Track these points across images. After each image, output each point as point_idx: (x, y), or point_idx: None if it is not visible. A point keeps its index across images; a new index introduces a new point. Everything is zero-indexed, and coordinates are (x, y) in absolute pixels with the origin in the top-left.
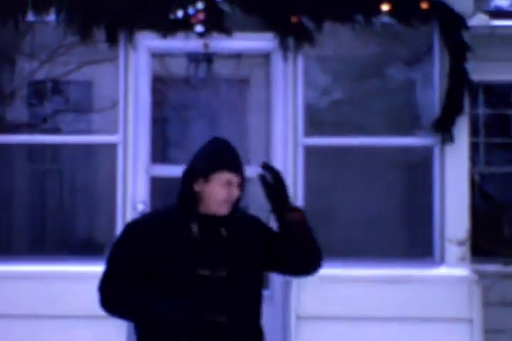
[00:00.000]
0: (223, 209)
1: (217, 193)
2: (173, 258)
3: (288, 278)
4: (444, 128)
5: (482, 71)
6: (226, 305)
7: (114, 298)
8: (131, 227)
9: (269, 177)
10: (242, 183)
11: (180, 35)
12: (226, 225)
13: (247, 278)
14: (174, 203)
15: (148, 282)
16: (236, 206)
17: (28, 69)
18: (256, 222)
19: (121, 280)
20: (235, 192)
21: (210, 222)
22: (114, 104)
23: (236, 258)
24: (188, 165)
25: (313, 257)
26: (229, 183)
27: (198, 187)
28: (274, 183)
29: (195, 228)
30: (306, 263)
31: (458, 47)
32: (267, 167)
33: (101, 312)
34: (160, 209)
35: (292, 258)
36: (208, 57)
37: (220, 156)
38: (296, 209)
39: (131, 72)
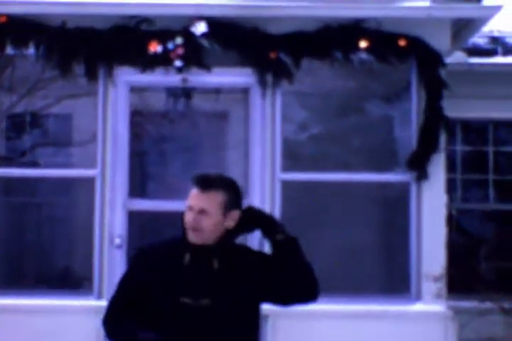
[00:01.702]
0: (189, 236)
1: (185, 218)
2: (160, 284)
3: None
4: (419, 164)
5: (459, 108)
6: (208, 334)
7: (110, 325)
8: (134, 257)
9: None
10: (205, 211)
11: (159, 69)
12: (219, 256)
13: (234, 309)
14: (179, 234)
15: (142, 310)
16: (229, 236)
17: (7, 102)
18: (253, 254)
19: (120, 307)
20: (190, 217)
21: (203, 253)
22: (93, 138)
23: (223, 289)
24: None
25: (307, 279)
26: (189, 207)
27: None
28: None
29: (187, 257)
30: (300, 287)
31: (434, 84)
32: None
33: None
34: (167, 238)
35: (286, 281)
36: (186, 92)
37: (198, 174)
38: (284, 231)
39: (110, 106)
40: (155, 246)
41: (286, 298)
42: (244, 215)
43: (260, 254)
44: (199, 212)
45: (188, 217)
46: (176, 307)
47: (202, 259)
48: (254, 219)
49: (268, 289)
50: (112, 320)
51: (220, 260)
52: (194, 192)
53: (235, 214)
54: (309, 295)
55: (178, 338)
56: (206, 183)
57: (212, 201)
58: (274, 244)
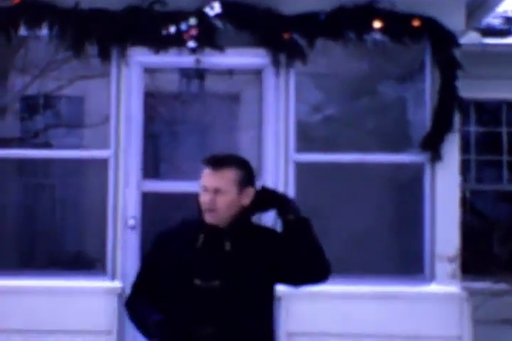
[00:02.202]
0: (206, 217)
1: (200, 199)
2: (174, 267)
3: (285, 291)
4: (433, 145)
5: (473, 89)
6: (217, 316)
7: (130, 308)
8: (154, 239)
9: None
10: (220, 190)
11: (173, 50)
12: (232, 238)
13: (244, 291)
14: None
15: (160, 292)
16: (243, 217)
17: (20, 84)
18: (267, 233)
19: (140, 290)
20: (205, 197)
21: (216, 234)
22: (106, 119)
23: (233, 271)
24: None
25: (317, 260)
26: (204, 188)
27: None
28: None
29: (200, 239)
30: (310, 267)
31: (449, 65)
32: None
33: (89, 327)
34: (188, 219)
35: (296, 261)
36: (199, 73)
37: (209, 155)
38: (297, 210)
39: (124, 88)
40: (172, 229)
41: (297, 278)
42: (258, 195)
43: (274, 234)
44: (214, 191)
45: (204, 198)
46: (188, 289)
47: (215, 241)
48: (267, 198)
49: (279, 269)
50: (132, 301)
51: (233, 241)
52: (206, 172)
53: (249, 192)
54: (320, 275)
55: (187, 319)
56: (218, 162)
57: (226, 179)
58: (286, 224)
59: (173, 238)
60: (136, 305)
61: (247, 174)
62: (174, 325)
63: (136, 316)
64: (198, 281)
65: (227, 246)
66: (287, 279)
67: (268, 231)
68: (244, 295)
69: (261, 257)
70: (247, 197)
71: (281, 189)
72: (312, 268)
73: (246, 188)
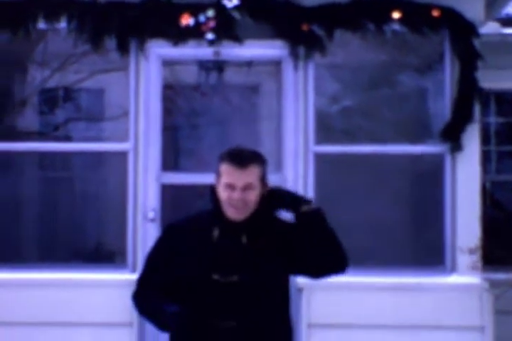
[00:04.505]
0: (231, 213)
1: (222, 194)
2: (189, 261)
3: (306, 283)
4: (453, 136)
5: (493, 79)
6: (236, 310)
7: (139, 300)
8: (165, 231)
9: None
10: (251, 186)
11: (191, 42)
12: (248, 232)
13: (263, 285)
14: (208, 208)
15: (171, 285)
16: (259, 211)
17: (39, 77)
18: (283, 225)
19: (149, 282)
20: (236, 195)
21: (232, 228)
22: (125, 112)
23: (251, 265)
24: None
25: (333, 250)
26: (230, 186)
27: (218, 189)
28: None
29: (216, 233)
30: (325, 258)
31: (468, 55)
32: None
33: (110, 319)
34: (196, 212)
35: (312, 253)
36: (218, 65)
37: (227, 151)
38: (308, 203)
39: (142, 80)
40: (183, 221)
41: (314, 270)
42: (268, 197)
43: (289, 225)
44: (244, 188)
45: (232, 195)
46: (205, 284)
47: (231, 234)
48: (277, 200)
49: (296, 261)
50: (140, 295)
51: (249, 234)
52: (231, 169)
53: (267, 186)
54: (336, 266)
55: (206, 313)
56: (244, 159)
57: (254, 175)
58: (298, 217)
59: (185, 231)
60: (147, 297)
61: (265, 168)
62: (192, 317)
63: (149, 308)
64: (216, 276)
65: (244, 239)
66: (304, 271)
67: (284, 223)
68: (263, 288)
69: (277, 249)
70: (266, 186)
71: (301, 180)
72: (328, 260)
73: (265, 182)
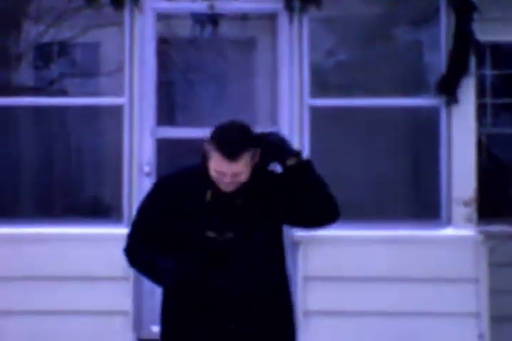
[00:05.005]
0: (222, 187)
1: (212, 173)
2: (183, 218)
3: (303, 236)
4: (448, 88)
5: (489, 31)
6: (232, 265)
7: (132, 254)
8: (158, 185)
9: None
10: (241, 172)
11: None
12: (240, 194)
13: (258, 240)
14: (200, 163)
15: (164, 240)
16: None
17: (34, 32)
18: (275, 177)
19: (141, 236)
20: (226, 179)
21: (224, 191)
22: (120, 67)
23: (246, 222)
24: (210, 136)
25: (322, 201)
26: (220, 172)
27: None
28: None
29: (208, 195)
30: (316, 209)
31: (464, 7)
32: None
33: (107, 273)
34: (187, 167)
35: (302, 204)
36: (213, 19)
37: (218, 137)
38: (296, 155)
39: (137, 35)
40: (175, 176)
41: (305, 219)
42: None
43: (281, 176)
44: (234, 174)
45: (222, 179)
46: (200, 241)
47: (224, 196)
48: (264, 154)
49: (288, 211)
50: (133, 249)
51: (242, 195)
52: (221, 160)
53: (257, 152)
54: (327, 216)
55: (201, 269)
56: (234, 151)
57: (243, 163)
58: (284, 170)
59: (178, 186)
60: (141, 251)
61: (254, 144)
62: (188, 272)
63: (144, 262)
64: (211, 234)
65: (237, 199)
66: (297, 222)
67: (276, 174)
68: (257, 243)
69: (271, 200)
70: (256, 157)
71: (296, 134)
72: (318, 211)
73: (255, 154)
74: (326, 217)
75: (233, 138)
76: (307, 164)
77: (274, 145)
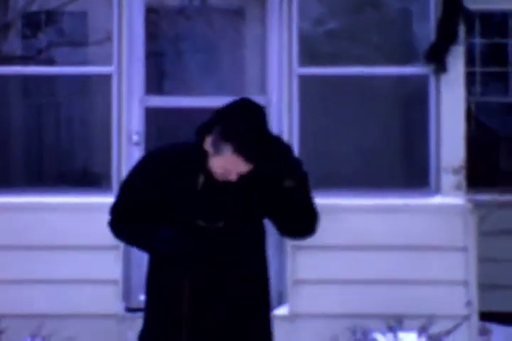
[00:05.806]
0: (220, 178)
1: (215, 168)
2: (173, 203)
3: None
4: (437, 57)
5: (479, 0)
6: (220, 252)
7: (121, 223)
8: (148, 158)
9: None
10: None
11: None
12: (234, 183)
13: (247, 228)
14: (194, 143)
15: (154, 213)
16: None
17: (22, 1)
18: (269, 176)
19: (131, 207)
20: (231, 177)
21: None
22: (109, 36)
23: (236, 211)
24: (210, 119)
25: (307, 224)
26: (227, 170)
27: (207, 147)
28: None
29: (201, 179)
30: (298, 227)
31: None
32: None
33: (98, 242)
34: (180, 144)
35: (285, 221)
36: None
37: (244, 140)
38: (295, 176)
39: (125, 3)
40: (167, 151)
41: (283, 229)
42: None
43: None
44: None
45: (226, 175)
46: (190, 229)
47: (216, 183)
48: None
49: (271, 216)
50: (120, 221)
51: (235, 184)
52: (237, 161)
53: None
54: (304, 234)
55: (191, 256)
56: (254, 156)
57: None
58: (279, 189)
59: (169, 165)
60: (129, 221)
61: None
62: (187, 242)
63: (134, 232)
64: (201, 223)
65: (229, 188)
66: (275, 226)
67: (270, 173)
68: (246, 231)
69: (260, 196)
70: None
71: (285, 103)
72: (298, 228)
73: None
74: (302, 234)
75: (256, 142)
76: (301, 189)
77: (289, 165)
